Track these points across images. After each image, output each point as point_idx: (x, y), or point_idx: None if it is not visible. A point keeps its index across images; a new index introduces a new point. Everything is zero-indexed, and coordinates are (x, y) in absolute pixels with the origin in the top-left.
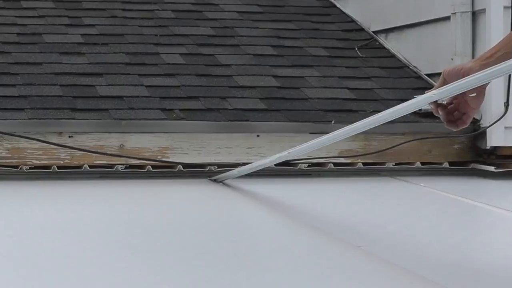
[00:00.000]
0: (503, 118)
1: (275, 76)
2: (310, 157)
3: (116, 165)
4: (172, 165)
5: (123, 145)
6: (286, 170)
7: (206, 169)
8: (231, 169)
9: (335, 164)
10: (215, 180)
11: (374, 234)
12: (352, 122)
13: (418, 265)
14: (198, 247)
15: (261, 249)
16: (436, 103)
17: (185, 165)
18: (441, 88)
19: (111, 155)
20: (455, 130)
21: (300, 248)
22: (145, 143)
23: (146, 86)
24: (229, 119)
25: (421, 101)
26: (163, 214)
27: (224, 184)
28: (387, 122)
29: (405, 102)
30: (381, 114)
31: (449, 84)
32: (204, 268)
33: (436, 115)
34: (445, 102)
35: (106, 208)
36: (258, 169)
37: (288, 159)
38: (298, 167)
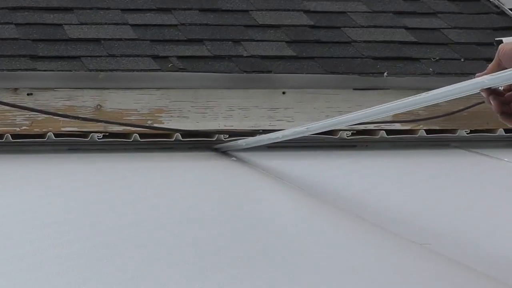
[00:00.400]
0: None
1: (307, 12)
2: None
3: (92, 133)
4: (168, 133)
5: (100, 105)
6: (321, 139)
7: (214, 139)
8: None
9: (389, 132)
10: (222, 152)
11: (443, 227)
12: (412, 74)
13: None
14: (211, 245)
15: (290, 247)
16: (489, 90)
17: (185, 133)
18: (496, 73)
19: (84, 119)
20: (511, 126)
21: (343, 248)
22: (131, 103)
23: (132, 25)
24: (245, 70)
25: (468, 87)
26: (153, 207)
27: (236, 159)
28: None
29: (447, 87)
30: (412, 99)
31: (507, 70)
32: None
33: (488, 105)
34: (501, 89)
35: (72, 196)
36: (267, 143)
37: (306, 135)
38: (338, 135)
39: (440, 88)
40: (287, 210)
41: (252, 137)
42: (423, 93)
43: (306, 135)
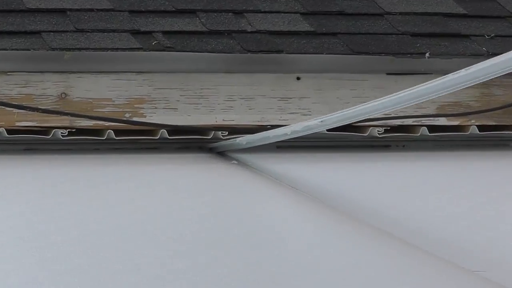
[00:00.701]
0: None
1: None
2: (387, 115)
3: (54, 129)
4: (151, 129)
5: (65, 94)
6: (345, 138)
7: (209, 137)
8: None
9: (432, 128)
10: (219, 153)
11: (504, 252)
12: (460, 54)
13: None
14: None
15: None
16: None
17: (173, 130)
18: None
19: (45, 111)
20: None
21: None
22: (104, 91)
23: None
24: (249, 49)
25: None
26: (130, 226)
27: (237, 162)
28: None
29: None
30: (465, 72)
31: None
32: None
33: None
34: None
35: (26, 209)
36: (273, 141)
37: (320, 130)
38: (367, 133)
39: (478, 64)
40: (304, 231)
41: (253, 134)
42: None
43: (320, 130)
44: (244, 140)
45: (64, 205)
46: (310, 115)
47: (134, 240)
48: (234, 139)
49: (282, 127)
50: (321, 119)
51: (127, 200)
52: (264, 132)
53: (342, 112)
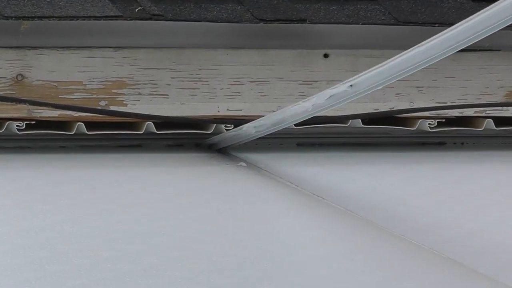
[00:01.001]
0: None
1: None
2: (442, 103)
3: (8, 122)
4: (133, 121)
5: (22, 76)
6: (385, 132)
7: (209, 132)
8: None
9: (499, 120)
10: (221, 151)
11: None
12: None
13: None
14: None
15: None
16: None
17: (162, 123)
18: None
19: (1, 98)
20: None
21: None
22: (73, 72)
23: None
24: (262, 17)
25: None
26: (98, 257)
27: (246, 163)
28: None
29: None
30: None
31: None
32: None
33: None
34: None
35: None
36: (291, 123)
37: (352, 98)
38: (416, 126)
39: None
40: (342, 266)
41: (264, 117)
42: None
43: (351, 99)
44: (251, 126)
45: (16, 221)
46: None
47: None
48: (239, 128)
49: (300, 102)
50: (350, 83)
51: (99, 217)
52: (277, 112)
53: (380, 67)
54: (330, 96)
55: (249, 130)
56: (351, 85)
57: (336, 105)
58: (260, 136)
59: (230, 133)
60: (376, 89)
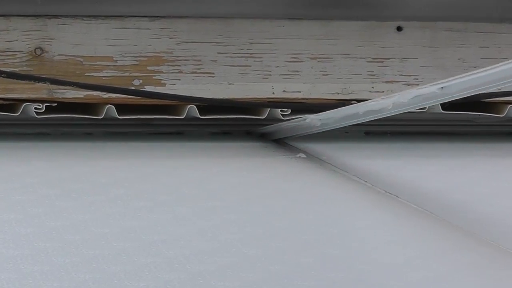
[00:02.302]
0: None
1: None
2: None
3: (24, 103)
4: (173, 104)
5: (42, 49)
6: (473, 120)
7: (262, 117)
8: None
9: None
10: (275, 141)
11: None
12: None
13: None
14: None
15: None
16: None
17: (207, 106)
18: None
19: (11, 75)
20: None
21: None
22: (101, 45)
23: None
24: None
25: None
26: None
27: (306, 155)
28: None
29: None
30: None
31: None
32: None
33: None
34: None
35: None
36: (364, 119)
37: (440, 101)
38: (505, 112)
39: None
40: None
41: (332, 110)
42: None
43: (439, 102)
44: (317, 119)
45: (35, 220)
46: (417, 84)
47: None
48: (301, 119)
49: (379, 98)
50: (441, 85)
51: (132, 216)
52: (350, 106)
53: (477, 73)
54: (415, 96)
55: (313, 122)
56: (442, 87)
57: (421, 106)
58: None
59: (289, 124)
60: (469, 95)
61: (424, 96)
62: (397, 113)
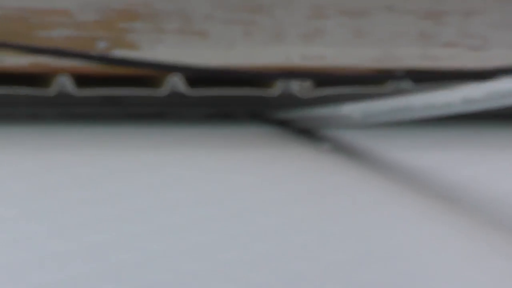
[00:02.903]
0: None
1: None
2: None
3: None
4: (150, 74)
5: None
6: None
7: (273, 92)
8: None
9: None
10: (297, 130)
11: None
12: None
13: None
14: None
15: None
16: None
17: (198, 78)
18: None
19: None
20: None
21: None
22: None
23: None
24: None
25: None
26: None
27: (334, 146)
28: None
29: None
30: None
31: None
32: None
33: None
34: None
35: None
36: (439, 114)
37: None
38: None
39: None
40: None
41: (377, 102)
42: None
43: None
44: (357, 110)
45: None
46: (486, 50)
47: None
48: (335, 108)
49: (445, 90)
50: None
51: (97, 232)
52: (403, 98)
53: None
54: (497, 92)
55: (352, 114)
56: None
57: (500, 105)
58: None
59: (315, 113)
60: None
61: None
62: (467, 110)
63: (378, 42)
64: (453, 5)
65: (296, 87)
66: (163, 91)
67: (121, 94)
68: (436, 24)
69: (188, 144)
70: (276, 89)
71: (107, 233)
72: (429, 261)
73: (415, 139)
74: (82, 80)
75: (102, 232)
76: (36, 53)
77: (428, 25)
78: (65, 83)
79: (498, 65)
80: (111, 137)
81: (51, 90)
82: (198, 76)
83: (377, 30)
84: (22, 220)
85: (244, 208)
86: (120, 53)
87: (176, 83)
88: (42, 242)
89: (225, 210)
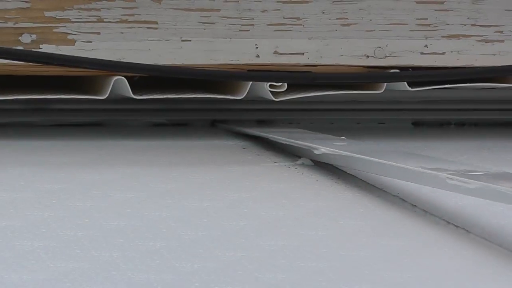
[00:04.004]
0: None
1: None
2: None
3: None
4: (87, 74)
5: None
6: None
7: (238, 96)
8: None
9: None
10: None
11: None
12: None
13: None
14: None
15: None
16: None
17: (146, 79)
18: None
19: None
20: None
21: None
22: None
23: None
24: None
25: None
26: None
27: (314, 162)
28: None
29: None
30: None
31: None
32: None
33: None
34: None
35: None
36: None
37: None
38: None
39: None
40: None
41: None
42: None
43: None
44: (336, 155)
45: None
46: (501, 41)
47: None
48: (307, 146)
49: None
50: None
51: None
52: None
53: None
54: None
55: (327, 157)
56: None
57: None
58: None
59: (285, 142)
60: None
61: None
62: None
63: (368, 33)
64: None
65: (267, 90)
66: (102, 95)
67: (51, 99)
68: (439, 10)
69: (132, 160)
70: (242, 92)
71: None
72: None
73: (416, 152)
74: (1, 81)
75: None
76: None
77: (429, 11)
78: None
79: None
80: (37, 151)
81: None
82: (145, 77)
83: (367, 19)
84: None
85: (197, 238)
86: (49, 48)
87: (119, 85)
88: None
89: (168, 242)
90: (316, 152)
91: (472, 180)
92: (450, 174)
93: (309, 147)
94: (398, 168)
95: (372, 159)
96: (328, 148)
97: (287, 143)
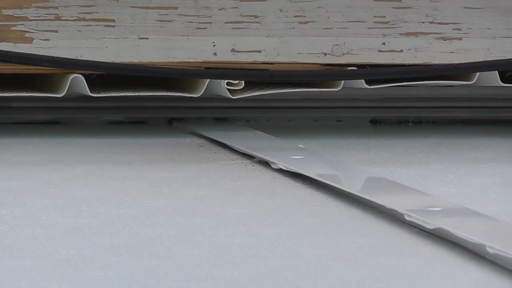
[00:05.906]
0: None
1: None
2: None
3: None
4: (45, 72)
5: None
6: None
7: (195, 94)
8: None
9: None
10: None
11: None
12: None
13: None
14: None
15: None
16: None
17: (103, 76)
18: None
19: None
20: None
21: None
22: None
23: None
24: None
25: None
26: None
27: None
28: None
29: None
30: None
31: None
32: None
33: None
34: None
35: None
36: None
37: None
38: None
39: None
40: None
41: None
42: None
43: None
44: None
45: None
46: (459, 38)
47: None
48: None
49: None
50: None
51: None
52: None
53: None
54: None
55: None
56: None
57: None
58: None
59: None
60: None
61: None
62: None
63: (326, 31)
64: None
65: (224, 88)
66: (60, 93)
67: (8, 96)
68: (397, 8)
69: (89, 159)
70: (199, 90)
71: None
72: None
73: (375, 151)
74: None
75: None
76: None
77: (387, 8)
78: None
79: (475, 60)
80: None
81: None
82: (103, 75)
83: (325, 16)
84: None
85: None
86: (6, 47)
87: (76, 83)
88: None
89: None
90: (273, 166)
91: (430, 221)
92: (407, 210)
93: (266, 160)
94: (360, 198)
95: (334, 185)
96: (285, 165)
97: (244, 152)
